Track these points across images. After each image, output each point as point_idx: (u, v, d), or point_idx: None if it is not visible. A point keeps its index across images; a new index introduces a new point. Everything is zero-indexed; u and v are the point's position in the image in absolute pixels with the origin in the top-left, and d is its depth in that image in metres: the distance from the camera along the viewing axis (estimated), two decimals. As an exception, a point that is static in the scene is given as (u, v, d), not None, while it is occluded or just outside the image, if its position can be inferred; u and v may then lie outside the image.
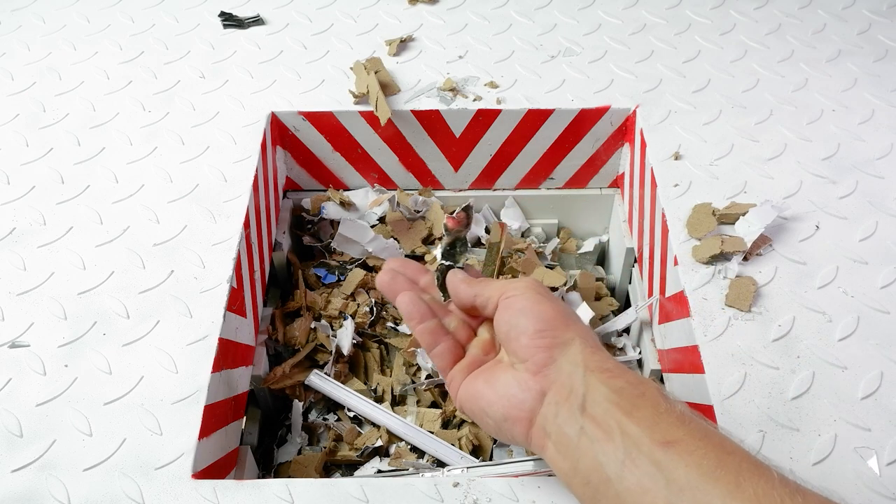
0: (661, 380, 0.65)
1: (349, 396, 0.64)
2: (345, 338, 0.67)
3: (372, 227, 0.75)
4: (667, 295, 0.63)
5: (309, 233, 0.77)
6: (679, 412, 0.37)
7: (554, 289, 0.70)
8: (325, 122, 0.73)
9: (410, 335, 0.68)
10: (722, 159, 0.66)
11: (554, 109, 0.72)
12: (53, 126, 0.70)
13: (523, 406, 0.40)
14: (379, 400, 0.65)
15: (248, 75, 0.75)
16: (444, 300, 0.48)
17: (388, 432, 0.62)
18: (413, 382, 0.66)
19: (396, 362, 0.68)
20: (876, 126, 0.69)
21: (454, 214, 0.50)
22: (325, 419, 0.66)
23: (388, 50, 0.78)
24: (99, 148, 0.68)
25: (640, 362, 0.69)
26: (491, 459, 0.62)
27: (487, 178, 0.78)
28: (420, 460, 0.61)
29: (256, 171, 0.66)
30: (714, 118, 0.70)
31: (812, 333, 0.54)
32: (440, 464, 0.61)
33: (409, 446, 0.62)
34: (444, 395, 0.65)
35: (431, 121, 0.73)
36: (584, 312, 0.68)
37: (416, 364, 0.67)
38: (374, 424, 0.64)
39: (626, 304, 0.75)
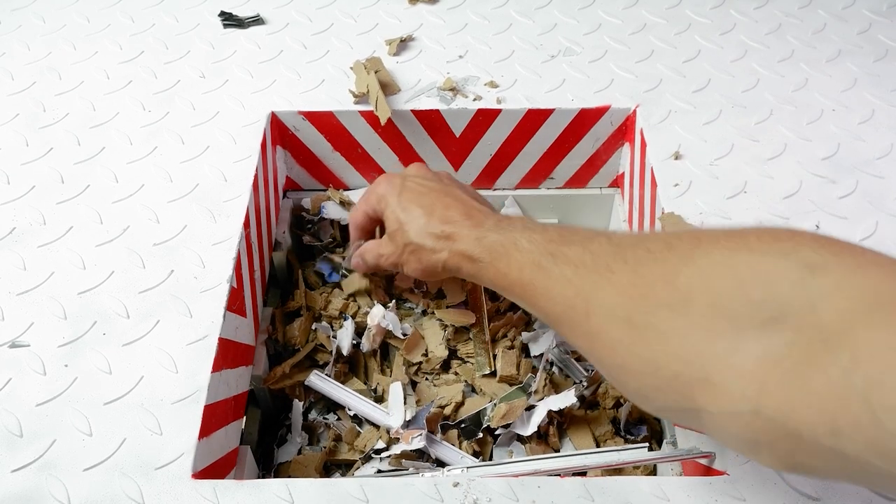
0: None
1: (349, 396, 0.63)
2: (345, 338, 0.67)
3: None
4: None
5: (309, 233, 0.77)
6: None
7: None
8: (325, 122, 0.73)
9: (405, 338, 0.68)
10: (722, 159, 0.66)
11: (554, 109, 0.72)
12: (53, 126, 0.70)
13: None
14: (379, 400, 0.65)
15: (248, 75, 0.76)
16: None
17: (388, 433, 0.62)
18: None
19: (396, 362, 0.68)
20: (876, 126, 0.69)
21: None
22: (325, 419, 0.66)
23: (388, 50, 0.78)
24: (99, 148, 0.68)
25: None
26: (491, 459, 0.62)
27: (487, 177, 0.78)
28: (420, 460, 0.61)
29: (256, 170, 0.66)
30: (714, 118, 0.70)
31: (812, 333, 0.54)
32: (440, 464, 0.61)
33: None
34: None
35: (431, 121, 0.73)
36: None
37: (418, 363, 0.67)
38: (373, 424, 0.64)
39: (626, 304, 0.75)
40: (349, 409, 0.64)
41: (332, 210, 0.75)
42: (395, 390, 0.63)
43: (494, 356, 0.66)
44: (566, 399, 0.61)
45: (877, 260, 0.34)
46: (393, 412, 0.62)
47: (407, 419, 0.61)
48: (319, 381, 0.64)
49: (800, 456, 0.35)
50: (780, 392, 0.33)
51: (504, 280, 0.51)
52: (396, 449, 0.60)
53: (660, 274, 0.39)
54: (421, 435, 0.59)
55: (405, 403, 0.62)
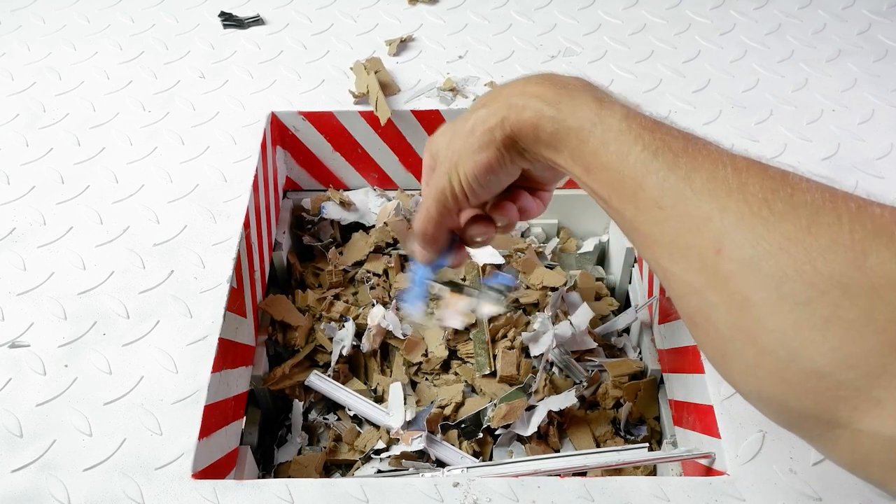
0: (662, 380, 0.65)
1: (349, 396, 0.63)
2: (345, 339, 0.67)
3: (371, 226, 0.76)
4: (667, 295, 0.62)
5: (309, 233, 0.77)
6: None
7: (554, 288, 0.70)
8: (325, 122, 0.73)
9: (405, 338, 0.68)
10: (722, 159, 0.66)
11: (554, 109, 0.72)
12: (53, 126, 0.70)
13: None
14: (379, 400, 0.65)
15: (248, 75, 0.76)
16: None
17: (389, 433, 0.62)
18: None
19: (396, 362, 0.68)
20: (876, 126, 0.69)
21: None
22: (325, 419, 0.66)
23: (388, 50, 0.78)
24: (99, 148, 0.68)
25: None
26: (491, 459, 0.62)
27: (487, 178, 0.78)
28: (420, 460, 0.61)
29: (256, 171, 0.66)
30: (714, 118, 0.70)
31: (812, 333, 0.54)
32: (440, 464, 0.61)
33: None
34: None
35: (431, 121, 0.73)
36: (584, 312, 0.68)
37: (418, 363, 0.67)
38: (373, 425, 0.64)
39: (626, 304, 0.75)
40: (349, 410, 0.64)
41: (332, 210, 0.75)
42: (395, 391, 0.63)
43: (494, 356, 0.66)
44: (566, 399, 0.61)
45: None
46: (393, 412, 0.62)
47: (407, 420, 0.61)
48: (319, 381, 0.64)
49: None
50: None
51: (592, 161, 0.38)
52: (396, 450, 0.60)
53: (843, 243, 0.30)
54: (421, 436, 0.59)
55: (405, 404, 0.62)
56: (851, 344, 0.29)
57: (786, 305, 0.30)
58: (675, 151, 0.35)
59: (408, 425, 0.61)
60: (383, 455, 0.61)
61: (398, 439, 0.61)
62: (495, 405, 0.62)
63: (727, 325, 0.32)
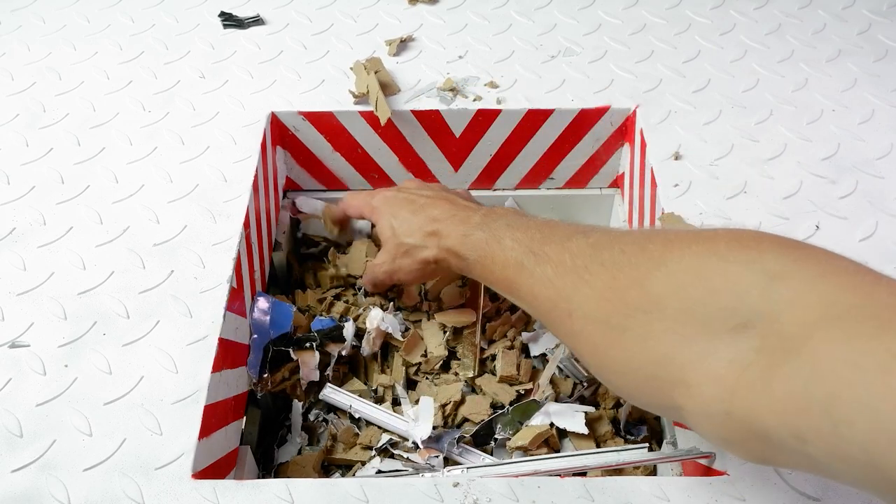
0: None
1: (366, 407, 0.63)
2: (345, 339, 0.67)
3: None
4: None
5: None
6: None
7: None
8: (325, 122, 0.73)
9: (405, 339, 0.68)
10: (722, 159, 0.66)
11: (554, 109, 0.72)
12: (53, 126, 0.70)
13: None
14: (379, 401, 0.65)
15: (248, 75, 0.76)
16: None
17: (401, 437, 0.62)
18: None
19: (396, 362, 0.68)
20: (876, 126, 0.69)
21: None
22: (325, 419, 0.66)
23: (388, 50, 0.78)
24: (99, 148, 0.68)
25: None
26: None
27: (487, 178, 0.78)
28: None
29: (256, 171, 0.66)
30: (714, 118, 0.70)
31: (812, 333, 0.54)
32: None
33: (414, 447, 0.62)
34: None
35: (431, 121, 0.73)
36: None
37: (418, 363, 0.67)
38: (385, 430, 0.63)
39: (626, 304, 0.75)
40: (371, 420, 0.63)
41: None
42: (427, 404, 0.62)
43: (494, 356, 0.66)
44: (574, 423, 0.61)
45: (837, 268, 0.35)
46: (421, 423, 0.61)
47: (430, 435, 0.60)
48: (335, 393, 0.64)
49: (769, 454, 0.37)
50: (748, 396, 0.35)
51: (491, 277, 0.53)
52: (413, 456, 0.60)
53: (634, 277, 0.41)
54: (439, 457, 0.59)
55: (432, 418, 0.61)
56: (659, 348, 0.39)
57: (614, 334, 0.41)
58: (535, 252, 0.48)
59: (428, 440, 0.60)
60: (395, 451, 0.60)
61: (405, 440, 0.61)
62: (507, 411, 0.61)
63: (590, 357, 0.45)
